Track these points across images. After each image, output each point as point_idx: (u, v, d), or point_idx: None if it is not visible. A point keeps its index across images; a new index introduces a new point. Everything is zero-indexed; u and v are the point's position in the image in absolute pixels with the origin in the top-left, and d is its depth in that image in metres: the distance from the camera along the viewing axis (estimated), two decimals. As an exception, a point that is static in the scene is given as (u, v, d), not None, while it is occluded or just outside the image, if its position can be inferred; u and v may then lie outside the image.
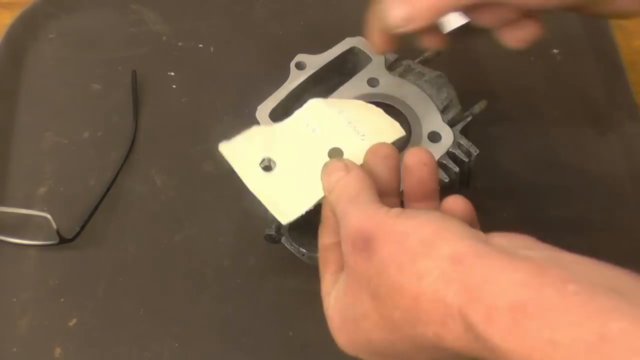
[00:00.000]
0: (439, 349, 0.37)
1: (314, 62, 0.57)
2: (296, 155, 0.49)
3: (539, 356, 0.32)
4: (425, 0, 0.47)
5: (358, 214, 0.41)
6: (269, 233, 0.51)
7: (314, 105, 0.51)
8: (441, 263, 0.36)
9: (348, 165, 0.44)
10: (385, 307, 0.39)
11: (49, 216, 0.57)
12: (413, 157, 0.44)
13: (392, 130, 0.50)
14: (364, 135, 0.49)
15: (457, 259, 0.36)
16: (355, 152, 0.47)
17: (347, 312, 0.42)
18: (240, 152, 0.49)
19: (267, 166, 0.49)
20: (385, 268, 0.38)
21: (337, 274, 0.44)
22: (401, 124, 0.56)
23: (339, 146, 0.49)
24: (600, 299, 0.32)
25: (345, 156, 0.48)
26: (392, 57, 0.58)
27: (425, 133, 0.54)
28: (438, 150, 0.54)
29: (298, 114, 0.51)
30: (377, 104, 0.53)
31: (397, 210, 0.40)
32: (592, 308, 0.32)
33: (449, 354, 0.37)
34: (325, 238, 0.46)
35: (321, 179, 0.45)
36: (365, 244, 0.39)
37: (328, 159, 0.48)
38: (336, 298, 0.43)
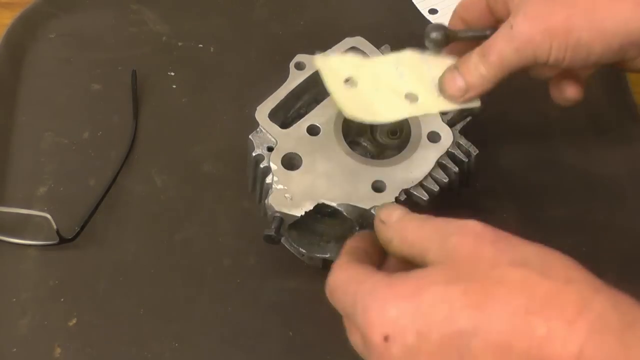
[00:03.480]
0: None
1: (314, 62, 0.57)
2: (378, 84, 0.52)
3: None
4: (475, 74, 0.52)
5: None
6: (269, 234, 0.51)
7: (410, 55, 0.54)
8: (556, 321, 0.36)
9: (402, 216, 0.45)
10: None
11: (49, 216, 0.57)
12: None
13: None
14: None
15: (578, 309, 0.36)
16: (428, 104, 0.52)
17: (420, 282, 0.39)
18: (332, 66, 0.52)
19: (352, 83, 0.52)
20: (519, 264, 0.38)
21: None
22: (401, 124, 0.56)
23: (416, 93, 0.52)
24: None
25: (418, 102, 0.52)
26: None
27: (424, 133, 0.54)
28: (437, 151, 0.54)
29: (393, 55, 0.54)
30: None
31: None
32: None
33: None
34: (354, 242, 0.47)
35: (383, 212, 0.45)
36: (496, 237, 0.40)
37: (405, 99, 0.52)
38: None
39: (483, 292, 0.38)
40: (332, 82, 0.51)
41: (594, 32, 0.50)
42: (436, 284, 0.39)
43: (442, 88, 0.52)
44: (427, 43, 0.53)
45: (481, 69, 0.51)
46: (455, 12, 0.57)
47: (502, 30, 0.51)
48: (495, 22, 0.54)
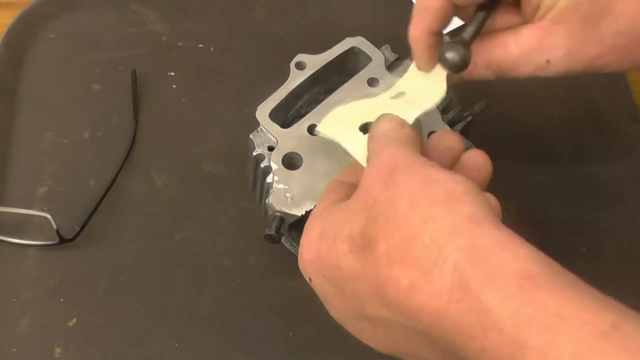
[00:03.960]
0: (402, 303, 0.36)
1: (314, 62, 0.57)
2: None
3: (538, 327, 0.31)
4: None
5: (395, 150, 0.40)
6: (269, 233, 0.51)
7: (407, 78, 0.51)
8: (456, 217, 0.36)
9: (405, 124, 0.44)
10: (374, 234, 0.38)
11: (49, 216, 0.57)
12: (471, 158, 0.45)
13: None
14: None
15: (475, 220, 0.35)
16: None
17: (331, 226, 0.41)
18: (336, 123, 0.50)
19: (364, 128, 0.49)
20: (397, 198, 0.37)
21: (335, 203, 0.43)
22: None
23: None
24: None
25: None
26: (392, 57, 0.58)
27: (425, 133, 0.54)
28: None
29: (391, 89, 0.52)
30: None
31: (436, 163, 0.40)
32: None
33: (408, 317, 0.36)
34: (340, 176, 0.46)
35: (374, 124, 0.44)
36: (390, 172, 0.39)
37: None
38: (326, 210, 0.42)
39: (360, 235, 0.38)
40: (346, 139, 0.49)
41: None
42: (333, 226, 0.41)
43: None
44: (443, 66, 0.48)
45: (487, 76, 0.50)
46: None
47: (531, 56, 0.48)
48: None
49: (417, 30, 0.48)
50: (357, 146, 0.47)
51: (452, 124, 0.55)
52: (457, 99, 0.56)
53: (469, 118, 0.56)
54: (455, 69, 0.47)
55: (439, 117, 0.55)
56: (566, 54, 0.47)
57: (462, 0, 0.47)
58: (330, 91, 0.56)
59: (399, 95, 0.51)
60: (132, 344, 0.55)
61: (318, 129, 0.51)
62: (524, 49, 0.48)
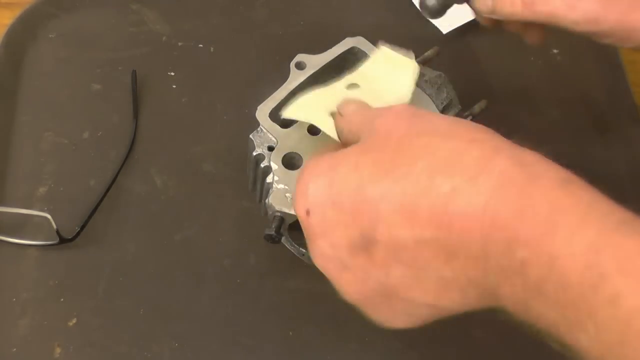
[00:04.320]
0: (435, 212, 0.37)
1: (314, 62, 0.57)
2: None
3: (572, 212, 0.34)
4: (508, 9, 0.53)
5: (399, 106, 0.43)
6: (269, 233, 0.51)
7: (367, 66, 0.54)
8: (499, 141, 0.38)
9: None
10: (407, 157, 0.38)
11: (49, 216, 0.57)
12: None
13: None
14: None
15: (515, 144, 0.38)
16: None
17: (346, 159, 0.41)
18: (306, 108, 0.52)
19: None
20: (432, 129, 0.40)
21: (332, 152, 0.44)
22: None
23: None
24: None
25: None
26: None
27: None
28: None
29: (347, 77, 0.53)
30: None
31: None
32: None
33: (437, 227, 0.37)
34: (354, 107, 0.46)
35: (340, 106, 0.46)
36: (410, 115, 0.41)
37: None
38: (328, 155, 0.43)
39: (390, 160, 0.39)
40: (320, 120, 0.50)
41: None
42: (349, 158, 0.41)
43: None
44: (422, 12, 0.54)
45: (517, 8, 0.52)
46: None
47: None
48: None
49: None
50: (331, 127, 0.49)
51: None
52: (457, 99, 0.56)
53: (469, 118, 0.56)
54: (433, 14, 0.53)
55: (438, 117, 0.55)
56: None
57: None
58: (330, 91, 0.56)
59: (357, 85, 0.53)
60: (132, 344, 0.55)
61: (282, 113, 0.52)
62: None
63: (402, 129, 0.40)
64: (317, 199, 0.41)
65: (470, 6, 0.55)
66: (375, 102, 0.51)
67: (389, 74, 0.53)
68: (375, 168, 0.39)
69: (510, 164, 0.37)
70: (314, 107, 0.51)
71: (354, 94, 0.52)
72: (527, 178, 0.36)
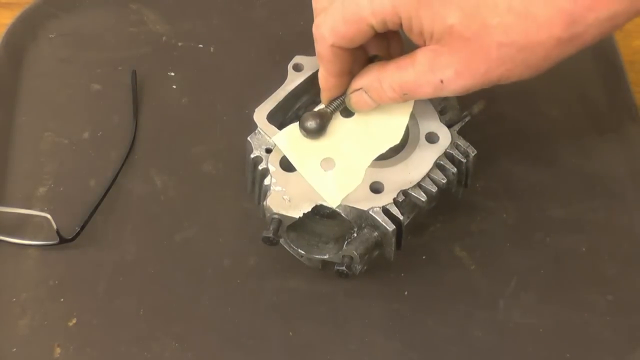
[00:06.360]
0: None
1: (312, 63, 0.57)
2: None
3: None
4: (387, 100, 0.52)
5: None
6: (267, 235, 0.51)
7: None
8: None
9: None
10: None
11: (49, 216, 0.57)
12: None
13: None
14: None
15: None
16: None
17: None
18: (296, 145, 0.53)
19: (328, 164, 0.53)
20: None
21: None
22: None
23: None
24: None
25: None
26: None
27: (422, 134, 0.54)
28: (436, 151, 0.54)
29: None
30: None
31: None
32: None
33: None
34: None
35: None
36: None
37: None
38: None
39: None
40: (306, 168, 0.52)
41: None
42: None
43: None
44: (301, 132, 0.53)
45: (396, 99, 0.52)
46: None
47: (426, 77, 0.49)
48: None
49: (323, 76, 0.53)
50: (318, 180, 0.51)
51: (450, 125, 0.55)
52: (455, 100, 0.56)
53: (467, 118, 0.56)
54: (312, 135, 0.53)
55: (436, 118, 0.55)
56: (456, 73, 0.48)
57: (342, 42, 0.50)
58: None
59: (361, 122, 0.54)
60: (132, 344, 0.55)
61: (274, 140, 0.53)
62: (419, 70, 0.49)
63: None
64: None
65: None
66: (363, 135, 0.52)
67: (385, 112, 0.53)
68: None
69: None
70: (306, 153, 0.52)
71: (347, 122, 0.54)
72: None
